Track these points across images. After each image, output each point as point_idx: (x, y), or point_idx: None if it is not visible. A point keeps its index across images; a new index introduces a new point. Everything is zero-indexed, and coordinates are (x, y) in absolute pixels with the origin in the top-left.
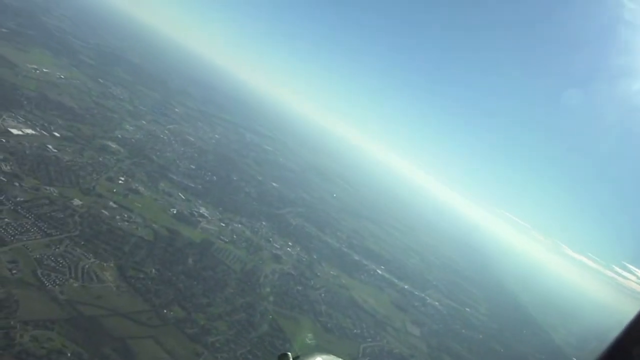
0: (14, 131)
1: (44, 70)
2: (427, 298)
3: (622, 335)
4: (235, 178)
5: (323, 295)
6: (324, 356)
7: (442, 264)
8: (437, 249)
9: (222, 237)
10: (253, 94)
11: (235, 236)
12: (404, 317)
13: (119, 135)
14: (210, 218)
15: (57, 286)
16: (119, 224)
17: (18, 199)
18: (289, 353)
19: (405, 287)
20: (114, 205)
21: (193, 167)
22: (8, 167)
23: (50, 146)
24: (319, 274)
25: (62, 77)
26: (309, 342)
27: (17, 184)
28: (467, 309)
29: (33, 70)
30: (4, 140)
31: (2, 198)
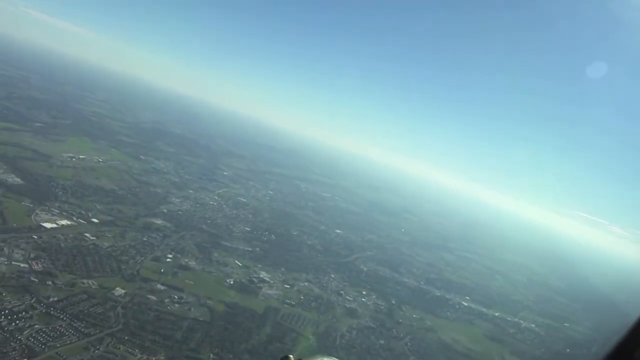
0: (48, 225)
1: (81, 156)
2: (521, 322)
3: (624, 339)
4: (295, 233)
5: (409, 344)
6: (326, 358)
7: (527, 280)
8: (518, 265)
9: (287, 300)
10: (300, 142)
11: (302, 297)
12: (501, 350)
13: (164, 210)
14: (272, 282)
15: None
16: (168, 307)
17: (51, 299)
18: (291, 355)
19: (496, 314)
20: (162, 288)
21: (248, 229)
22: (40, 266)
23: (87, 234)
24: (400, 320)
25: (100, 160)
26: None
27: (50, 282)
28: (565, 324)
29: (69, 159)
30: (35, 237)
31: (32, 301)
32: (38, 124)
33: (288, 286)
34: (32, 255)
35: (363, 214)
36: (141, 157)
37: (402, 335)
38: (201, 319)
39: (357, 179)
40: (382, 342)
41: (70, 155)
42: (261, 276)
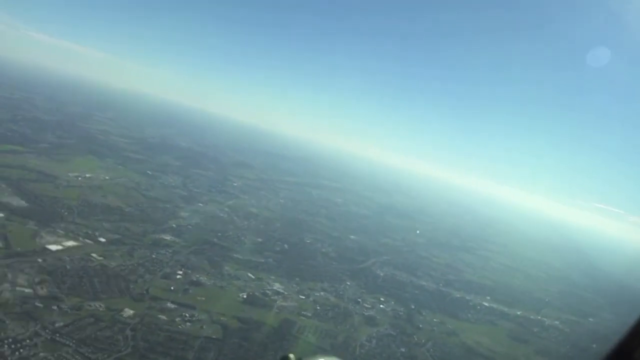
0: (53, 247)
1: (87, 175)
2: (545, 319)
3: (624, 339)
4: (308, 241)
5: (431, 350)
6: (326, 358)
7: (547, 276)
8: (537, 261)
9: (303, 312)
10: (307, 148)
11: (318, 307)
12: (526, 350)
13: (174, 225)
14: (286, 293)
15: None
16: (179, 327)
17: (56, 324)
18: (291, 355)
19: (518, 313)
20: (173, 306)
21: (260, 240)
22: (44, 290)
23: (94, 255)
24: (421, 325)
25: (107, 178)
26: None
27: (55, 307)
28: (589, 319)
29: (75, 179)
30: (40, 260)
31: (37, 328)
32: (43, 145)
33: (303, 297)
34: (36, 280)
35: (376, 217)
36: (148, 172)
37: (423, 341)
38: (214, 336)
39: (366, 182)
40: (403, 350)
41: (77, 174)
42: (275, 288)
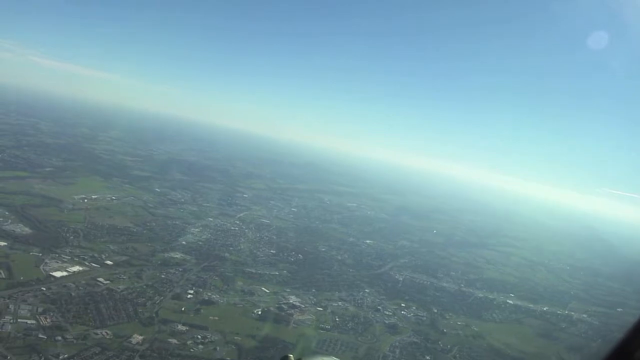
0: (57, 274)
1: (93, 197)
2: (572, 313)
3: (624, 339)
4: (323, 249)
5: (457, 356)
6: (325, 358)
7: (570, 268)
8: (558, 253)
9: (321, 325)
10: (315, 153)
11: (337, 318)
12: (557, 348)
13: (183, 242)
14: (303, 306)
15: None
16: (191, 350)
17: (61, 357)
18: (291, 355)
19: (544, 309)
20: (184, 328)
21: (273, 251)
22: (48, 320)
23: (101, 279)
24: (445, 330)
25: (114, 198)
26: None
27: (59, 337)
28: (618, 309)
29: (80, 201)
30: (44, 289)
31: None
32: (48, 169)
33: (321, 308)
34: (40, 310)
35: (391, 220)
36: (156, 189)
37: (449, 346)
38: (228, 358)
39: (379, 184)
40: (428, 358)
41: (82, 196)
42: (291, 301)
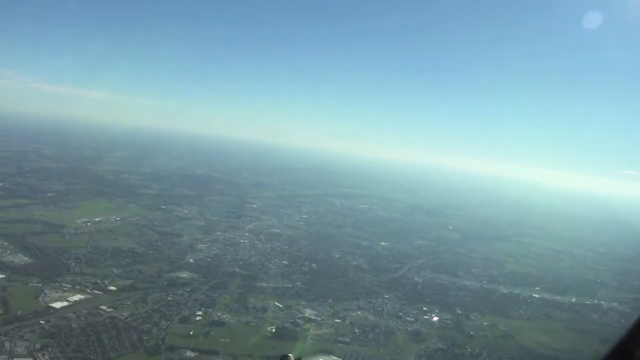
0: (57, 305)
1: (96, 219)
2: (602, 302)
3: (624, 338)
4: (337, 255)
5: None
6: (325, 357)
7: (594, 254)
8: (579, 239)
9: (340, 338)
10: (322, 156)
11: (356, 330)
12: (590, 341)
13: (191, 260)
14: (320, 319)
15: None
16: None
17: None
18: (291, 355)
19: (573, 300)
20: (192, 354)
21: (285, 262)
22: (47, 357)
23: (103, 307)
24: (472, 332)
25: (118, 219)
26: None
27: None
28: None
29: (83, 225)
30: (42, 322)
31: None
32: (50, 194)
33: (339, 320)
34: (37, 346)
35: (405, 219)
36: (162, 207)
37: (477, 350)
38: None
39: (389, 183)
40: None
41: (85, 220)
42: (307, 315)
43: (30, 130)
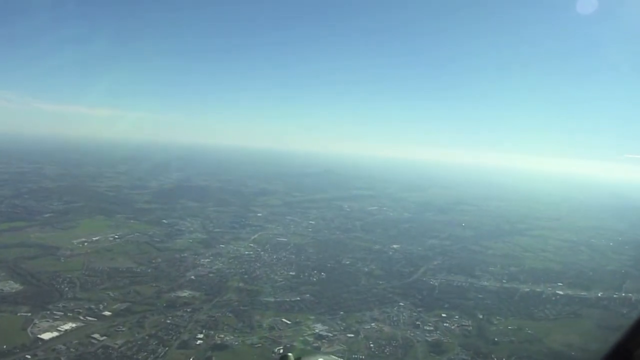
0: (46, 336)
1: (94, 239)
2: (630, 295)
3: (624, 337)
4: (347, 262)
5: None
6: (325, 357)
7: (614, 244)
8: (596, 228)
9: (354, 355)
10: (327, 159)
11: (371, 344)
12: None
13: (192, 277)
14: (331, 335)
15: None
16: None
17: None
18: (290, 354)
19: (599, 294)
20: None
21: (292, 273)
22: None
23: (96, 335)
24: (496, 339)
25: (117, 237)
26: None
27: None
28: None
29: (79, 246)
30: (29, 357)
31: None
32: (47, 215)
33: (352, 334)
34: None
35: (416, 219)
36: (164, 221)
37: (504, 358)
38: None
39: (397, 182)
40: None
41: (82, 240)
42: (317, 331)
43: (31, 150)
